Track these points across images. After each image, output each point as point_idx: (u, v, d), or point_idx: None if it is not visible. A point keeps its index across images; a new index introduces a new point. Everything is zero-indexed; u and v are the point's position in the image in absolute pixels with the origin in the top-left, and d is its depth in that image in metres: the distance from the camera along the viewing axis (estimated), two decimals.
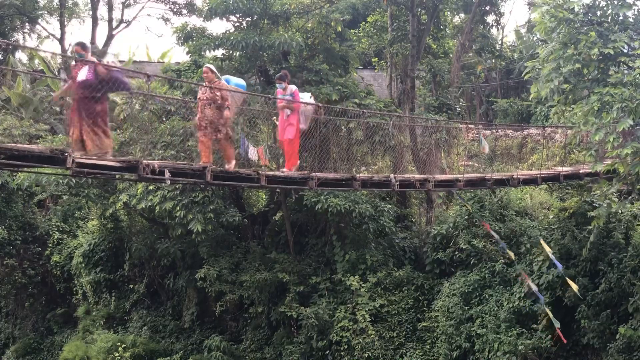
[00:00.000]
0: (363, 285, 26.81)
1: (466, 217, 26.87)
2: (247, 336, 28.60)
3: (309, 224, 29.30)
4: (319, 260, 28.62)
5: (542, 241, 23.83)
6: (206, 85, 17.21)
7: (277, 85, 19.35)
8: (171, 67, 38.34)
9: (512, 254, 24.45)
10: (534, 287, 22.86)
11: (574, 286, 21.84)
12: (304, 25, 29.99)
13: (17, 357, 33.06)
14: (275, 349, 27.61)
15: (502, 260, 25.49)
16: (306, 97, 19.79)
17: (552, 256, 22.75)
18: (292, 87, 19.19)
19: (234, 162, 17.40)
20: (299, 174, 18.85)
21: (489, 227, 25.58)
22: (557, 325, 21.88)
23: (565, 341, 21.89)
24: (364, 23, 36.42)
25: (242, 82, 18.84)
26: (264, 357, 27.73)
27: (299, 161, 19.64)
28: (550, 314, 22.07)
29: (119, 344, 28.48)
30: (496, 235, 25.37)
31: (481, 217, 26.46)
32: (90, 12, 45.56)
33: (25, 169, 20.90)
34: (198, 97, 17.56)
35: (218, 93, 17.03)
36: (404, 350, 26.00)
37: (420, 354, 25.68)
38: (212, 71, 17.25)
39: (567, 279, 22.13)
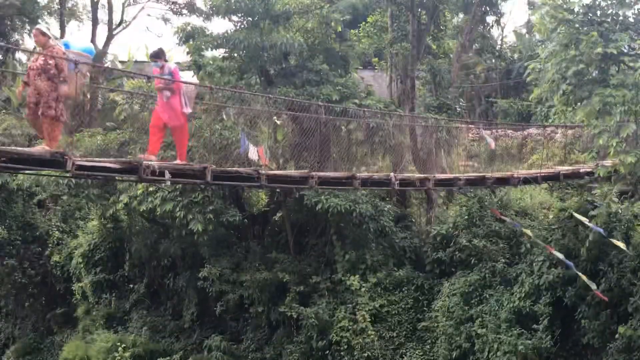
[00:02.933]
0: (363, 285, 26.81)
1: (466, 216, 26.86)
2: (247, 336, 28.60)
3: (309, 224, 29.29)
4: (319, 260, 28.62)
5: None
6: (39, 52, 14.26)
7: (152, 63, 17.25)
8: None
9: (529, 232, 24.21)
10: (560, 256, 22.54)
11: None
12: (304, 25, 29.98)
13: (17, 357, 33.07)
14: (275, 348, 27.62)
15: (503, 260, 25.50)
16: (188, 76, 17.95)
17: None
18: (171, 65, 17.14)
19: (54, 145, 14.30)
20: (299, 173, 18.78)
21: (499, 213, 25.51)
22: (594, 287, 21.55)
23: (606, 299, 21.54)
24: (364, 23, 36.43)
25: (89, 46, 16.08)
26: (264, 357, 27.74)
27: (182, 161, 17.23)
28: (585, 278, 21.74)
29: (119, 343, 28.50)
30: (508, 219, 25.32)
31: (482, 217, 26.48)
32: (90, 13, 45.47)
33: (25, 172, 20.92)
34: (28, 66, 14.49)
35: (51, 61, 14.08)
36: (404, 350, 26.00)
37: (420, 354, 25.69)
38: (43, 34, 14.36)
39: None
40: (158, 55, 16.95)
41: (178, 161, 16.84)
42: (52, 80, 13.97)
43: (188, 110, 16.79)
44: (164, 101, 16.60)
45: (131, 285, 31.67)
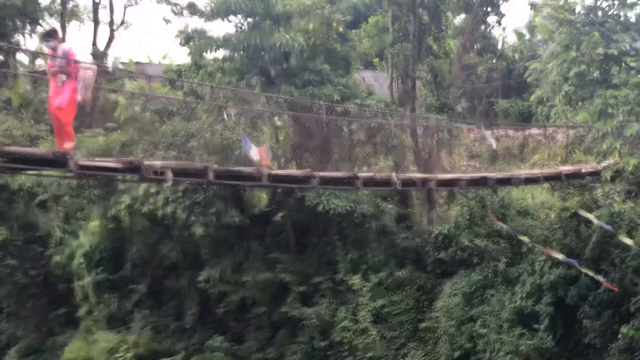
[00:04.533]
0: (365, 285, 26.81)
1: (468, 216, 26.86)
2: (250, 336, 28.61)
3: (311, 224, 29.29)
4: (320, 260, 28.62)
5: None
6: None
7: (43, 44, 15.66)
8: (172, 68, 38.37)
9: (526, 238, 24.22)
10: (561, 256, 22.54)
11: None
12: (305, 26, 29.99)
13: (19, 358, 33.08)
14: (277, 349, 27.63)
15: (505, 260, 25.49)
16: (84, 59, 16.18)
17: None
18: (65, 46, 15.44)
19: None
20: (301, 173, 18.74)
21: (496, 219, 25.52)
22: (601, 279, 21.53)
23: (616, 289, 21.50)
24: (365, 24, 36.45)
25: None
26: (266, 357, 27.74)
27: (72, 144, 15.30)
28: (590, 272, 21.72)
29: (121, 344, 28.53)
30: (505, 226, 25.31)
31: (483, 216, 26.49)
32: (92, 14, 45.45)
33: (27, 172, 20.92)
34: None
35: None
36: (406, 351, 26.00)
37: (422, 354, 25.68)
38: None
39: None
40: (51, 35, 15.62)
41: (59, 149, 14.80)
42: None
43: (79, 97, 15.12)
44: (58, 86, 15.01)
45: (133, 286, 31.65)
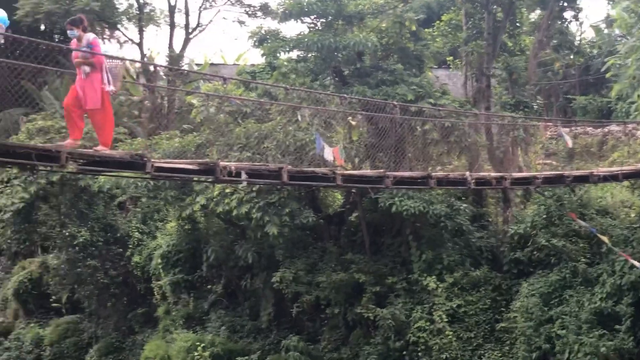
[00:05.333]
0: (440, 285, 26.63)
1: (544, 215, 26.46)
2: (324, 336, 28.66)
3: (385, 224, 29.20)
4: (395, 260, 28.51)
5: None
6: None
7: (68, 33, 14.88)
8: (246, 70, 38.72)
9: (605, 239, 23.78)
10: (638, 265, 22.13)
11: None
12: (378, 25, 29.95)
13: (100, 356, 33.72)
14: (352, 349, 27.61)
15: (584, 260, 25.06)
16: (112, 50, 15.90)
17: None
18: (90, 36, 14.75)
19: None
20: (374, 173, 18.72)
21: (575, 217, 25.10)
22: None
23: None
24: (438, 22, 36.21)
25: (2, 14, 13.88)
26: (341, 358, 27.74)
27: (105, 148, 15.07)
28: None
29: (198, 343, 28.81)
30: (584, 224, 24.88)
31: (561, 215, 26.06)
32: (168, 18, 46.13)
33: (106, 174, 21.33)
34: None
35: None
36: (482, 352, 25.74)
37: (499, 355, 25.40)
38: None
39: None
40: (75, 23, 14.70)
41: (100, 148, 14.78)
42: None
43: (111, 88, 14.60)
44: (83, 78, 14.47)
45: (209, 286, 31.99)
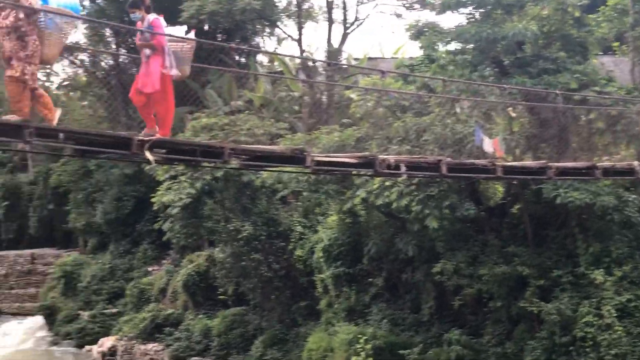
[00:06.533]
0: (608, 279, 25.74)
1: None
2: (487, 330, 28.26)
3: (549, 216, 28.46)
4: (559, 253, 27.75)
5: None
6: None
7: (131, 16, 14.22)
8: (404, 63, 38.66)
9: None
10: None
11: None
12: (539, 13, 29.24)
13: (264, 348, 34.49)
14: (516, 344, 27.11)
15: None
16: (180, 31, 14.82)
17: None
18: (151, 17, 13.94)
19: (18, 117, 12.13)
20: (536, 164, 18.35)
21: None
22: None
23: None
24: (603, 7, 34.97)
25: (73, 2, 13.10)
26: (505, 352, 27.28)
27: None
28: None
29: (359, 336, 29.00)
30: None
31: None
32: (326, 14, 46.74)
33: (268, 169, 21.84)
34: None
35: (21, 15, 11.96)
36: None
37: None
38: None
39: None
40: (136, 5, 13.99)
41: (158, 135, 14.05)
42: (22, 39, 12.03)
43: (174, 72, 13.88)
44: (144, 61, 13.89)
45: (370, 279, 32.13)
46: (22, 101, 12.16)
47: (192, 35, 14.60)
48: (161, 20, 13.99)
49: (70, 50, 52.94)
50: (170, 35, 14.00)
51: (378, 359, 28.58)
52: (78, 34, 54.53)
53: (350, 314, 31.70)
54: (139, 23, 14.07)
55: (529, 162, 18.94)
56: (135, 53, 14.92)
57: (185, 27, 15.15)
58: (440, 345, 28.24)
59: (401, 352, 28.60)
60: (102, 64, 51.45)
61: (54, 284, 50.27)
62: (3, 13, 12.13)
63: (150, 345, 39.43)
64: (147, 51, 13.77)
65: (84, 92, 53.72)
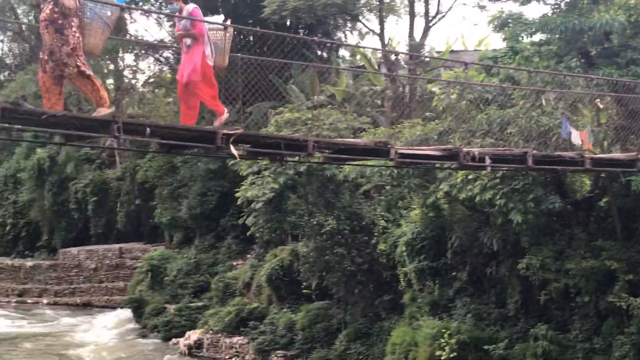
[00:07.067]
0: None
1: None
2: (575, 326, 27.77)
3: (638, 209, 27.85)
4: None
5: None
6: None
7: (169, 7, 14.38)
8: (487, 55, 38.26)
9: None
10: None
11: None
12: (626, 2, 28.57)
13: (348, 341, 34.60)
14: (604, 339, 26.59)
15: None
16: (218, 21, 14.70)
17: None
18: (190, 7, 13.90)
19: (105, 106, 12.46)
20: (625, 156, 17.99)
21: None
22: None
23: None
24: None
25: None
26: (592, 348, 26.80)
27: (225, 114, 14.37)
28: None
29: (444, 330, 28.87)
30: None
31: None
32: (407, 7, 46.58)
33: (351, 163, 21.89)
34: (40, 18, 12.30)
35: (57, 9, 11.88)
36: None
37: None
38: None
39: None
40: None
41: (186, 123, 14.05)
42: (60, 32, 11.93)
43: (212, 62, 13.84)
44: (185, 52, 13.82)
45: (454, 273, 31.94)
46: (99, 91, 12.33)
47: (229, 26, 14.55)
48: (199, 10, 14.01)
49: (155, 47, 54.08)
50: (210, 23, 14.14)
51: (462, 354, 28.41)
52: (163, 32, 55.61)
53: (434, 308, 31.56)
54: (177, 14, 14.07)
55: (618, 154, 18.57)
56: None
57: (222, 17, 14.98)
58: (527, 341, 27.91)
59: (486, 347, 28.35)
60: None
61: (141, 277, 51.29)
62: (42, 6, 12.17)
63: (235, 339, 39.95)
64: (188, 41, 13.76)
65: (168, 89, 54.59)
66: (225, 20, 14.79)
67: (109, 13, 12.45)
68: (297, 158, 17.73)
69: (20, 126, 13.03)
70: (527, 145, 22.06)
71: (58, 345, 45.27)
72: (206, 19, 14.30)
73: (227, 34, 14.26)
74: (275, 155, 15.53)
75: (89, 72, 12.23)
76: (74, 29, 11.93)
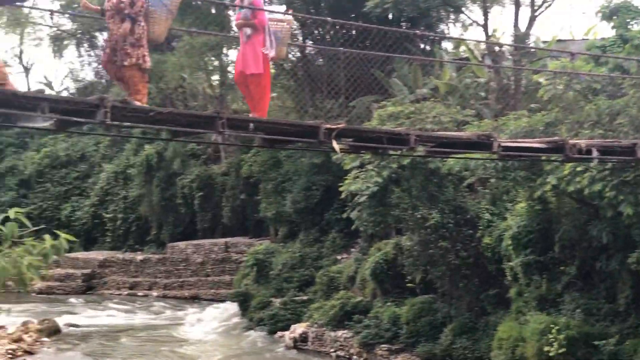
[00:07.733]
0: None
1: None
2: None
3: None
4: None
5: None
6: None
7: None
8: (596, 44, 37.37)
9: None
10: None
11: None
12: None
13: (454, 336, 34.34)
14: None
15: None
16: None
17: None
18: None
19: (143, 98, 12.17)
20: None
21: None
22: None
23: None
24: None
25: None
26: None
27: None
28: None
29: (552, 326, 28.34)
30: None
31: None
32: None
33: (454, 155, 21.70)
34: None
35: None
36: None
37: None
38: None
39: None
40: None
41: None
42: (125, 21, 11.77)
43: (272, 53, 13.61)
44: (244, 41, 13.53)
45: (562, 267, 31.29)
46: (142, 86, 12.17)
47: (289, 16, 14.52)
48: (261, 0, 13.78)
49: None
50: (270, 12, 14.33)
51: (572, 349, 27.84)
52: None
53: (542, 303, 31.01)
54: (237, 1, 13.91)
55: None
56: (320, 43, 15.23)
57: (284, 7, 14.81)
58: (638, 337, 27.17)
59: (596, 343, 27.72)
60: (290, 56, 52.72)
61: (247, 271, 52.04)
62: None
63: (340, 332, 40.12)
64: (248, 31, 13.53)
65: (272, 84, 55.21)
66: (328, 16, 14.93)
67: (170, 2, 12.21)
68: (399, 151, 17.64)
69: (129, 124, 13.34)
70: (638, 136, 21.49)
71: (167, 337, 46.59)
72: (267, 8, 14.00)
73: (287, 25, 14.07)
74: (377, 150, 15.50)
75: (146, 65, 12.08)
76: (140, 19, 11.79)
